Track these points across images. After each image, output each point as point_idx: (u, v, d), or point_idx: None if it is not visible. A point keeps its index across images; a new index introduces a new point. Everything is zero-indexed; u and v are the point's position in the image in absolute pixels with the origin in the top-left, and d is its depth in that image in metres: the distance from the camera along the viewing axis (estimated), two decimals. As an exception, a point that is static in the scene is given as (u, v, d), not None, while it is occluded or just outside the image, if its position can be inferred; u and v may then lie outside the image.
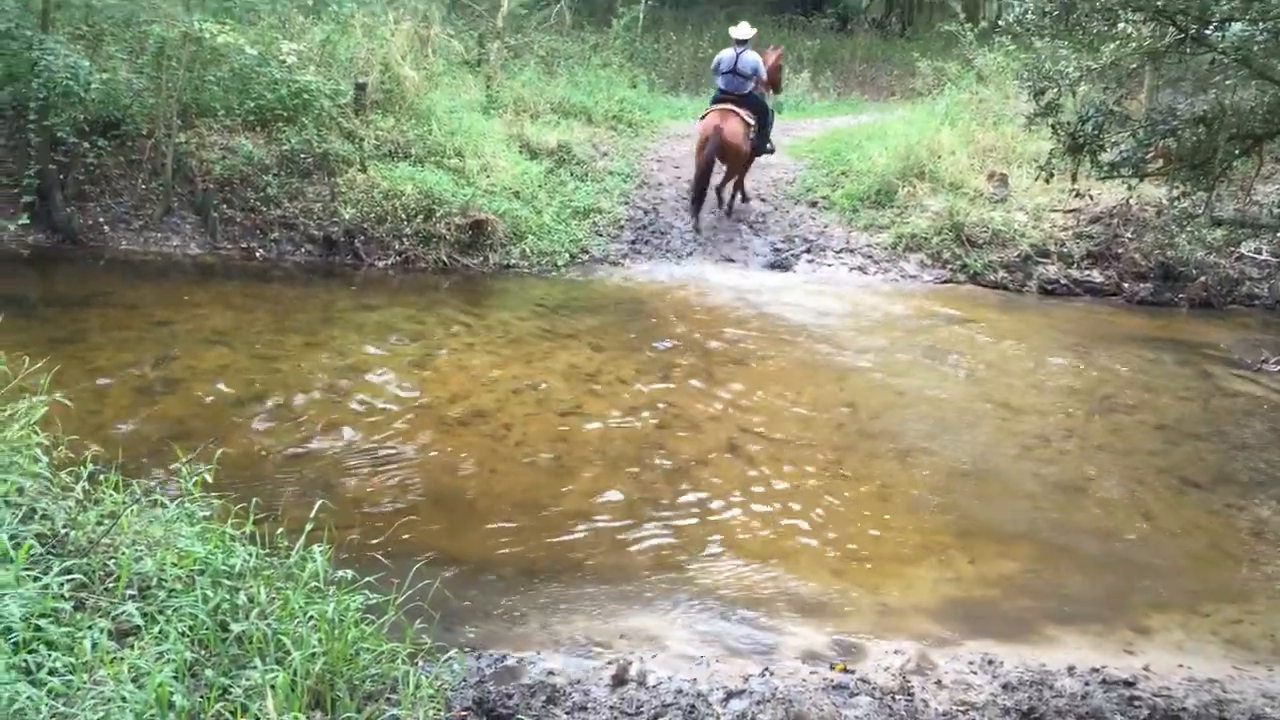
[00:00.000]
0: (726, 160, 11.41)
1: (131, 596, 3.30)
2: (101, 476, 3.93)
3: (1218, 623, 4.82)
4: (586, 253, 11.01)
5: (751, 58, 11.44)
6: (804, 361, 8.15)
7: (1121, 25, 7.89)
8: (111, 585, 3.31)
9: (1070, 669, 4.30)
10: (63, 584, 3.19)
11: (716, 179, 11.79)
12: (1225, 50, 7.12)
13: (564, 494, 5.58)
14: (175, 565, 3.49)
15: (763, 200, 12.53)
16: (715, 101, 11.56)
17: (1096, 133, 8.32)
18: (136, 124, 10.02)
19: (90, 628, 3.05)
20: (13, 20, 9.37)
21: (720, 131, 10.95)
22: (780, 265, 11.17)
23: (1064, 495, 6.02)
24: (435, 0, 14.27)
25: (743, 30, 11.41)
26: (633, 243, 11.34)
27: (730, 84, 11.47)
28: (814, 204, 12.51)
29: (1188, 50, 7.93)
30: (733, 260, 11.22)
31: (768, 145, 11.95)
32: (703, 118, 11.49)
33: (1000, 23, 11.84)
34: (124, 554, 3.44)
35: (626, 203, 12.08)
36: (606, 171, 12.63)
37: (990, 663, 4.31)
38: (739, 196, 12.22)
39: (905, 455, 6.44)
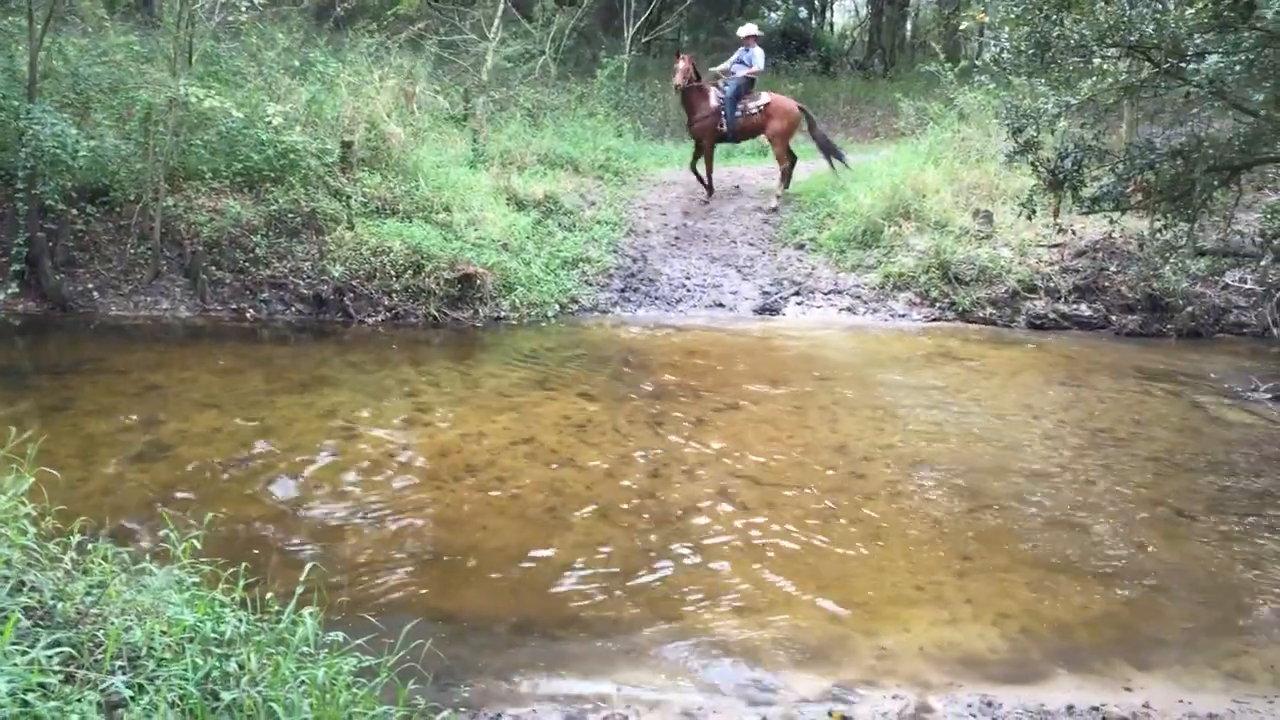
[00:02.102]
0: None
1: (121, 667, 3.26)
2: (90, 545, 3.90)
3: (1217, 656, 4.78)
4: (576, 302, 11.06)
5: None
6: (795, 404, 8.16)
7: (1097, 61, 7.99)
8: (100, 657, 3.27)
9: (1069, 709, 4.26)
10: (51, 657, 3.16)
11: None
12: (1200, 83, 7.21)
13: (557, 546, 5.55)
14: (164, 634, 3.45)
15: (750, 245, 12.61)
16: (751, 86, 13.93)
17: (1076, 168, 8.41)
18: (124, 189, 10.09)
19: (79, 701, 3.02)
20: (-1, 90, 9.47)
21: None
22: (769, 309, 11.22)
23: (1059, 530, 6.00)
24: (420, 57, 14.40)
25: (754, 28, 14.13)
26: (622, 291, 11.40)
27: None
28: (801, 246, 12.59)
29: (1163, 84, 8.04)
30: (722, 305, 11.28)
31: None
32: (766, 103, 13.79)
33: (979, 62, 12.00)
34: (113, 624, 3.40)
35: (615, 251, 12.15)
36: (594, 221, 12.71)
37: (989, 705, 4.26)
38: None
39: (898, 495, 6.43)
